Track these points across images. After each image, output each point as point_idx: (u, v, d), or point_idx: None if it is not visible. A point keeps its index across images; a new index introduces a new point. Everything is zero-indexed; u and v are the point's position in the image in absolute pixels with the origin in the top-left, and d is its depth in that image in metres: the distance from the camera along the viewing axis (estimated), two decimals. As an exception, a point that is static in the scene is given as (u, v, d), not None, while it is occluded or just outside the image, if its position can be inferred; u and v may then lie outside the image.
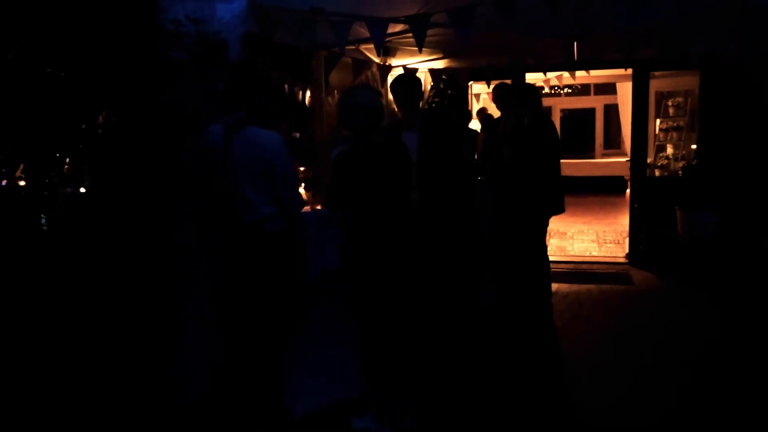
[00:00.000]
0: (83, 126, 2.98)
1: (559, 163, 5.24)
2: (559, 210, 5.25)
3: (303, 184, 4.08)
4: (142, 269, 3.09)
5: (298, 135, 5.28)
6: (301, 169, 4.29)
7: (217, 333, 3.37)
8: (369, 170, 3.09)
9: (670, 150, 8.70)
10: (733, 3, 3.13)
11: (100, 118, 3.04)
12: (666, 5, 3.14)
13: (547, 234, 5.48)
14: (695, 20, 3.61)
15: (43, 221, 2.92)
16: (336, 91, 5.75)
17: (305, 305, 3.45)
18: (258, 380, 3.23)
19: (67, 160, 2.87)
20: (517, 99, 5.38)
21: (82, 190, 3.14)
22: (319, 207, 3.91)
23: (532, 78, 7.98)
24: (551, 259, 5.80)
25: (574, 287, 6.03)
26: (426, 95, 7.04)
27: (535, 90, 5.60)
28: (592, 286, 6.08)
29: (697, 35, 4.26)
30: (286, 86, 5.13)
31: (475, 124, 7.78)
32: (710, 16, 3.42)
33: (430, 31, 4.02)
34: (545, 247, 5.38)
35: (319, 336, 3.54)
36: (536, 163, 5.07)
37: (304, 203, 3.53)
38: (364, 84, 4.28)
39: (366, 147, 3.09)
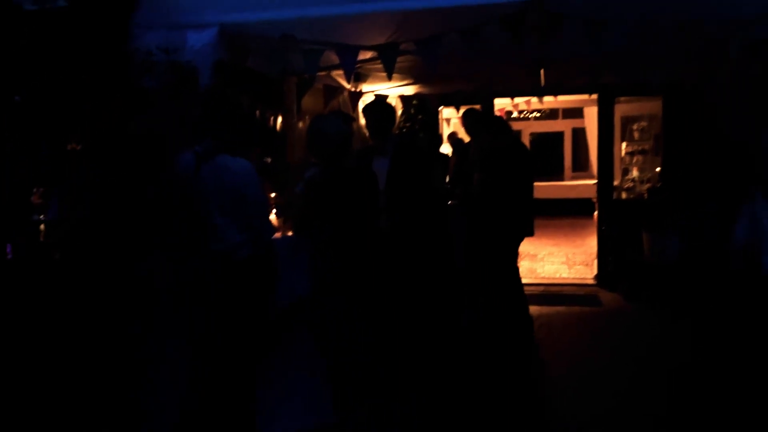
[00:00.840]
0: (48, 154, 2.95)
1: (531, 186, 5.33)
2: (528, 233, 5.33)
3: (274, 210, 4.09)
4: (111, 296, 3.05)
5: (269, 160, 5.30)
6: (272, 195, 4.30)
7: (189, 361, 3.33)
8: (337, 195, 3.12)
9: (635, 173, 8.89)
10: (690, 33, 3.27)
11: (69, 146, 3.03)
12: (625, 35, 3.26)
13: (518, 256, 5.56)
14: (655, 49, 3.75)
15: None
16: (307, 117, 5.79)
17: (277, 331, 3.44)
18: (231, 407, 3.20)
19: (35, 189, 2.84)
20: (485, 125, 5.49)
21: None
22: (290, 233, 3.92)
23: (501, 103, 8.14)
24: (522, 281, 5.87)
25: (545, 309, 6.09)
26: (396, 120, 7.12)
27: (502, 120, 5.73)
28: (562, 308, 6.16)
29: (658, 63, 4.43)
30: (257, 112, 5.16)
31: (446, 148, 7.88)
32: (669, 45, 3.56)
33: (399, 58, 4.10)
34: (516, 269, 5.44)
35: (292, 361, 3.53)
36: (508, 187, 5.15)
37: (275, 230, 3.55)
38: (334, 111, 4.34)
39: (334, 173, 3.13)
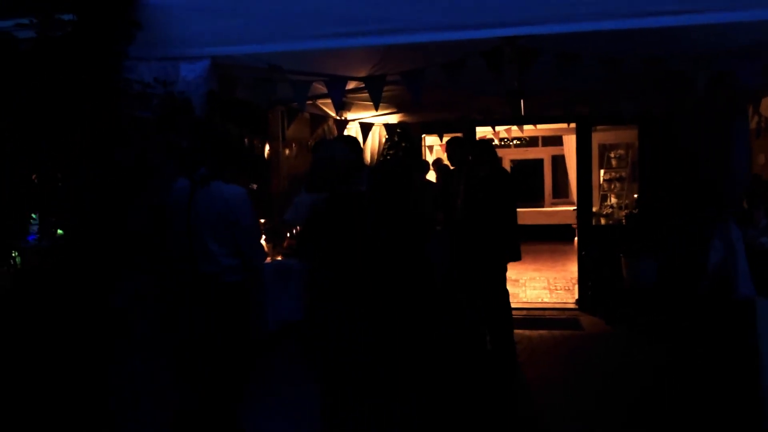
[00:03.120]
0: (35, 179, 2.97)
1: (514, 212, 5.46)
2: (514, 258, 5.45)
3: (263, 236, 4.18)
4: (93, 316, 3.03)
5: (255, 187, 5.40)
6: (261, 220, 4.39)
7: (173, 382, 3.35)
8: (339, 219, 3.20)
9: (613, 199, 9.12)
10: (656, 67, 3.46)
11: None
12: (595, 70, 3.45)
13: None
14: (625, 82, 3.93)
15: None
16: (293, 144, 5.92)
17: (263, 354, 3.50)
18: (216, 425, 3.24)
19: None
20: (471, 154, 5.62)
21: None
22: (279, 258, 4.01)
23: (483, 131, 8.35)
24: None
25: (527, 333, 6.20)
26: (381, 148, 7.28)
27: (489, 145, 5.86)
28: (544, 332, 6.28)
29: (629, 94, 4.62)
30: (245, 140, 5.28)
31: (430, 175, 8.03)
32: (638, 78, 3.75)
33: (384, 88, 4.25)
34: (506, 292, 5.54)
35: (278, 383, 3.58)
36: (491, 213, 5.28)
37: (266, 255, 3.63)
38: (342, 137, 4.45)
39: (337, 199, 3.21)
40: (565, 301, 7.59)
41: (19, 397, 2.76)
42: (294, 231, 4.39)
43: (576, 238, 7.75)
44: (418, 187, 6.33)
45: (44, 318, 2.86)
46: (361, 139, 6.30)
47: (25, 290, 2.94)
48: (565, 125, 8.45)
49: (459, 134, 7.07)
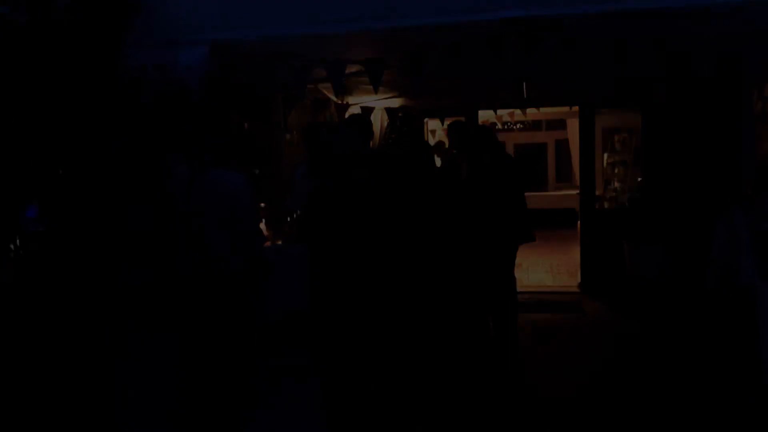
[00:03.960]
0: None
1: (521, 194, 5.42)
2: (527, 239, 5.43)
3: (264, 221, 4.17)
4: (88, 317, 3.02)
5: (257, 172, 5.37)
6: (262, 205, 4.38)
7: (173, 380, 3.33)
8: (345, 206, 3.15)
9: (617, 184, 9.06)
10: (659, 51, 3.42)
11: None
12: (598, 53, 3.40)
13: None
14: (628, 65, 3.89)
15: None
16: (295, 131, 5.89)
17: (269, 344, 3.48)
18: (217, 419, 3.24)
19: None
20: (472, 139, 5.57)
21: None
22: (279, 242, 3.99)
23: (485, 114, 8.30)
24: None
25: (530, 316, 6.20)
26: (382, 132, 7.24)
27: (490, 130, 5.80)
28: (546, 315, 6.29)
29: (633, 79, 4.58)
30: (246, 125, 5.25)
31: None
32: (641, 62, 3.71)
33: (385, 72, 4.21)
34: (513, 278, 5.52)
35: (280, 382, 3.56)
36: (497, 200, 5.24)
37: (265, 240, 3.62)
38: (350, 120, 4.40)
39: (338, 184, 3.16)
40: (567, 285, 7.57)
41: (20, 391, 2.76)
42: (294, 216, 4.38)
43: (579, 222, 7.72)
44: (436, 173, 6.24)
45: (43, 306, 2.87)
46: (363, 124, 6.24)
47: (28, 280, 2.94)
48: (568, 109, 8.38)
49: (461, 118, 7.01)
